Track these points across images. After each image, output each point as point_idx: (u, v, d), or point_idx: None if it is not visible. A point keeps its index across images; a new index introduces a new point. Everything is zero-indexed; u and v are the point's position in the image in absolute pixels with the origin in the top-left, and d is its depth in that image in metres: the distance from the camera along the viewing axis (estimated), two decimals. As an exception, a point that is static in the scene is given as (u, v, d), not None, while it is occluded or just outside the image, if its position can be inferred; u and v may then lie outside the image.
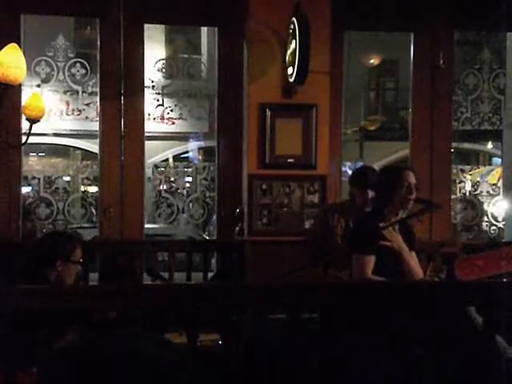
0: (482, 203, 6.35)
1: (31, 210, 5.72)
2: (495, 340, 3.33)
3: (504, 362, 3.34)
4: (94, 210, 6.15)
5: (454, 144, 5.97)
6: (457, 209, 6.38)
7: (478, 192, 6.36)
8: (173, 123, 11.99)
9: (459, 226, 6.60)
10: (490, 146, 14.88)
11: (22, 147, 5.26)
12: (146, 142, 5.55)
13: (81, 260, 3.81)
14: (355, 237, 3.93)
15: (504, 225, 6.40)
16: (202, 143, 13.43)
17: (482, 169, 8.17)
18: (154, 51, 8.81)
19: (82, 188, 6.35)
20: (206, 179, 6.08)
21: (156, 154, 11.60)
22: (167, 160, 12.16)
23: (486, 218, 6.40)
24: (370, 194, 4.35)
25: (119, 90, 5.39)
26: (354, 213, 4.41)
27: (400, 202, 3.82)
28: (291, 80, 4.91)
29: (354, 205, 4.48)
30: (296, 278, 4.18)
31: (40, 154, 13.42)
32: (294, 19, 4.79)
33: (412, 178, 3.84)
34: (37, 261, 3.72)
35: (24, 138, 5.09)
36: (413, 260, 3.96)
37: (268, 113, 5.16)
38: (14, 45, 4.35)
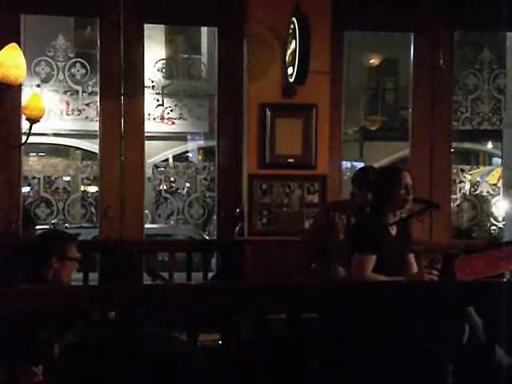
0: (485, 202, 6.34)
1: (31, 213, 5.70)
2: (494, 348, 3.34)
3: (502, 369, 3.37)
4: (93, 210, 6.15)
5: (454, 144, 5.96)
6: (461, 208, 6.38)
7: (477, 192, 6.36)
8: (173, 123, 11.99)
9: (463, 225, 6.61)
10: (490, 145, 14.88)
11: (22, 147, 5.26)
12: (146, 142, 5.55)
13: (77, 257, 3.81)
14: (355, 238, 3.95)
15: (504, 225, 6.40)
16: (201, 142, 13.46)
17: (482, 169, 8.17)
18: (154, 51, 8.81)
19: (82, 188, 6.35)
20: (206, 179, 6.07)
21: (156, 154, 11.59)
22: (167, 160, 12.15)
23: (486, 218, 6.40)
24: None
25: (119, 90, 5.38)
26: (355, 212, 4.42)
27: (398, 202, 3.88)
28: (291, 80, 4.91)
29: (354, 204, 4.48)
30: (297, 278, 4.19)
31: (40, 154, 13.41)
32: (294, 19, 4.79)
33: (409, 179, 3.91)
34: (32, 260, 3.73)
35: (24, 138, 5.09)
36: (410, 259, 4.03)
37: (268, 113, 5.16)
38: (14, 45, 4.35)
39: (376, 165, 9.62)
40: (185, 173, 6.35)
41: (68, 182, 6.26)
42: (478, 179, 6.52)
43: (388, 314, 3.16)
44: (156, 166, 6.44)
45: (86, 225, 7.13)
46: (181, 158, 13.60)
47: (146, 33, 5.51)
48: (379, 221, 3.89)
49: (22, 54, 4.37)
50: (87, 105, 7.66)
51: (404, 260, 4.00)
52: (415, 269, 4.05)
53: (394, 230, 3.94)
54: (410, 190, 3.88)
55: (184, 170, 6.36)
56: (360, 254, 3.79)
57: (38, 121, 4.81)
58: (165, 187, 6.40)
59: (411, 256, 4.08)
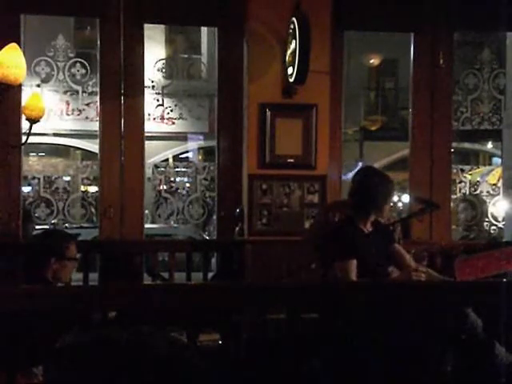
0: (485, 202, 6.33)
1: (31, 213, 5.71)
2: (494, 345, 3.34)
3: (502, 367, 3.37)
4: (93, 210, 6.15)
5: (454, 144, 5.96)
6: (459, 208, 6.38)
7: (477, 192, 6.35)
8: (173, 123, 11.98)
9: (462, 225, 6.62)
10: (490, 146, 14.88)
11: (22, 147, 5.26)
12: (146, 142, 5.55)
13: (76, 257, 3.81)
14: (335, 246, 3.93)
15: (504, 225, 6.40)
16: (201, 142, 13.46)
17: (482, 169, 8.17)
18: (154, 51, 8.80)
19: (82, 188, 6.35)
20: (206, 179, 6.07)
21: (156, 154, 11.59)
22: (167, 160, 12.15)
23: (486, 218, 6.40)
24: None
25: (119, 89, 5.38)
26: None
27: (382, 212, 3.95)
28: (291, 80, 4.92)
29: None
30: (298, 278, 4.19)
31: (40, 154, 13.41)
32: (294, 19, 4.79)
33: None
34: (32, 260, 3.72)
35: (24, 138, 5.09)
36: None
37: (268, 113, 5.17)
38: (14, 45, 4.36)
39: (376, 165, 9.62)
40: (185, 173, 6.35)
41: (68, 182, 6.25)
42: (478, 179, 6.52)
43: (387, 313, 3.16)
44: (156, 166, 6.44)
45: (85, 225, 7.13)
46: (181, 158, 13.60)
47: (146, 33, 5.50)
48: (355, 226, 3.92)
49: (21, 54, 4.38)
50: (87, 105, 7.66)
51: (386, 257, 4.00)
52: (410, 261, 4.07)
53: (369, 231, 3.97)
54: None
55: (184, 170, 6.36)
56: (341, 262, 3.80)
57: (38, 121, 4.82)
58: (165, 187, 6.39)
59: (399, 248, 4.10)
